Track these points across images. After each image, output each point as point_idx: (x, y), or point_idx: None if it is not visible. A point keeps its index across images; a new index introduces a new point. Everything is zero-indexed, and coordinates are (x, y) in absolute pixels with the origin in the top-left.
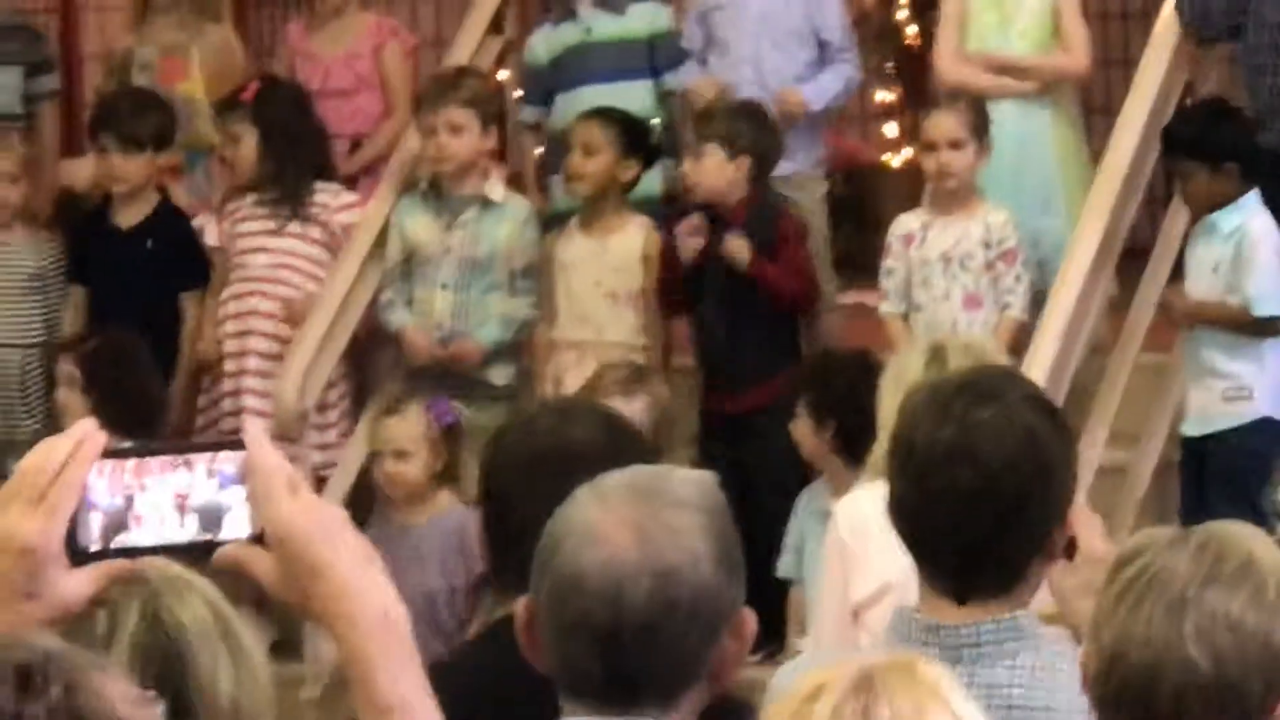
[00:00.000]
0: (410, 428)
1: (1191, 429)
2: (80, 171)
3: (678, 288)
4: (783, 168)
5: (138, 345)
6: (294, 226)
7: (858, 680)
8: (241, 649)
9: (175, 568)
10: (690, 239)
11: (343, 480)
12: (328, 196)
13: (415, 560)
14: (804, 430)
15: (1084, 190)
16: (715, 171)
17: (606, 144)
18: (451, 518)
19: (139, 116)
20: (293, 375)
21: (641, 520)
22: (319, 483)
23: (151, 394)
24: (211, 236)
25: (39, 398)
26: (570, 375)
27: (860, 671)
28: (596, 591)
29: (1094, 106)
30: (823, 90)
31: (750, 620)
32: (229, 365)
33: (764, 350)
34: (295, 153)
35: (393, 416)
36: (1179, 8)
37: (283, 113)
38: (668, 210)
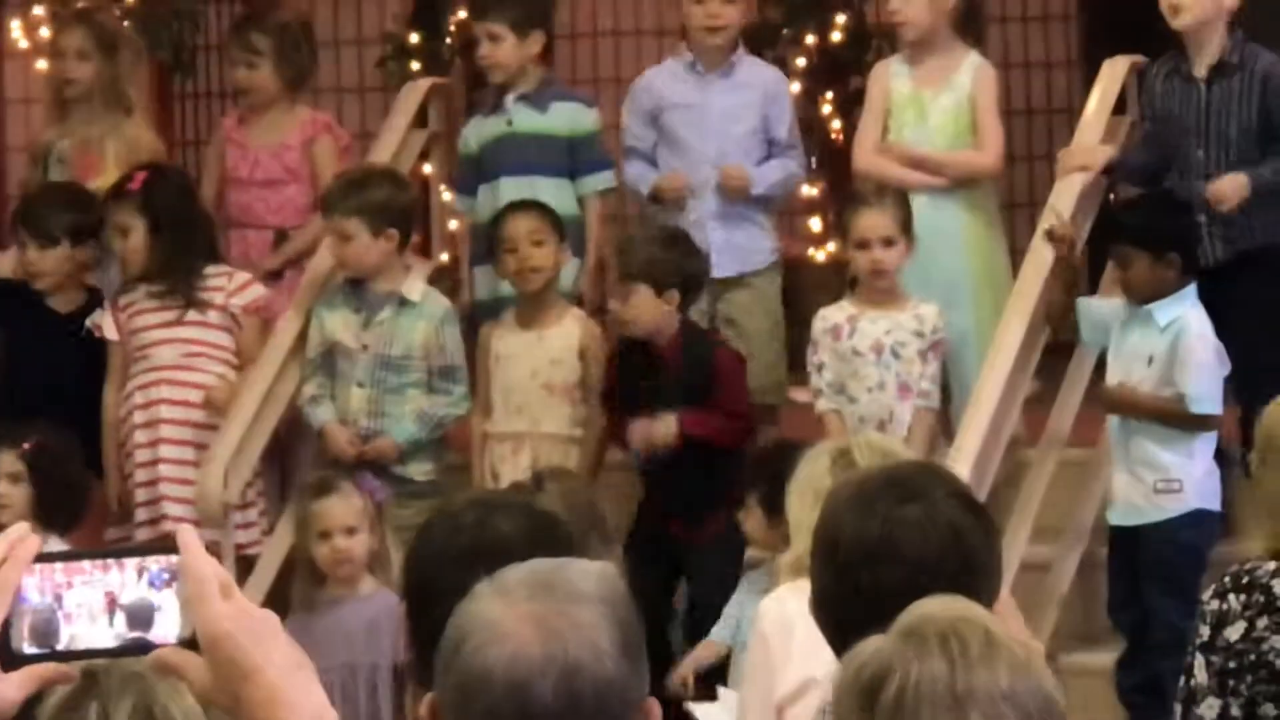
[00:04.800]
0: (353, 504)
1: (1119, 518)
2: (6, 262)
3: (620, 410)
4: (739, 264)
5: (72, 439)
6: (193, 314)
7: None
8: None
9: None
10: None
11: (267, 572)
12: (222, 280)
13: (339, 636)
14: (755, 523)
15: (993, 287)
16: (646, 309)
17: (551, 234)
18: (378, 599)
19: (54, 211)
20: (215, 470)
21: (544, 615)
22: (245, 562)
23: (86, 488)
24: (110, 331)
25: None
26: (506, 466)
27: None
28: (503, 689)
29: (1016, 201)
30: (764, 176)
31: (656, 710)
32: (141, 455)
33: (714, 480)
34: (185, 240)
35: (332, 496)
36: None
37: (170, 200)
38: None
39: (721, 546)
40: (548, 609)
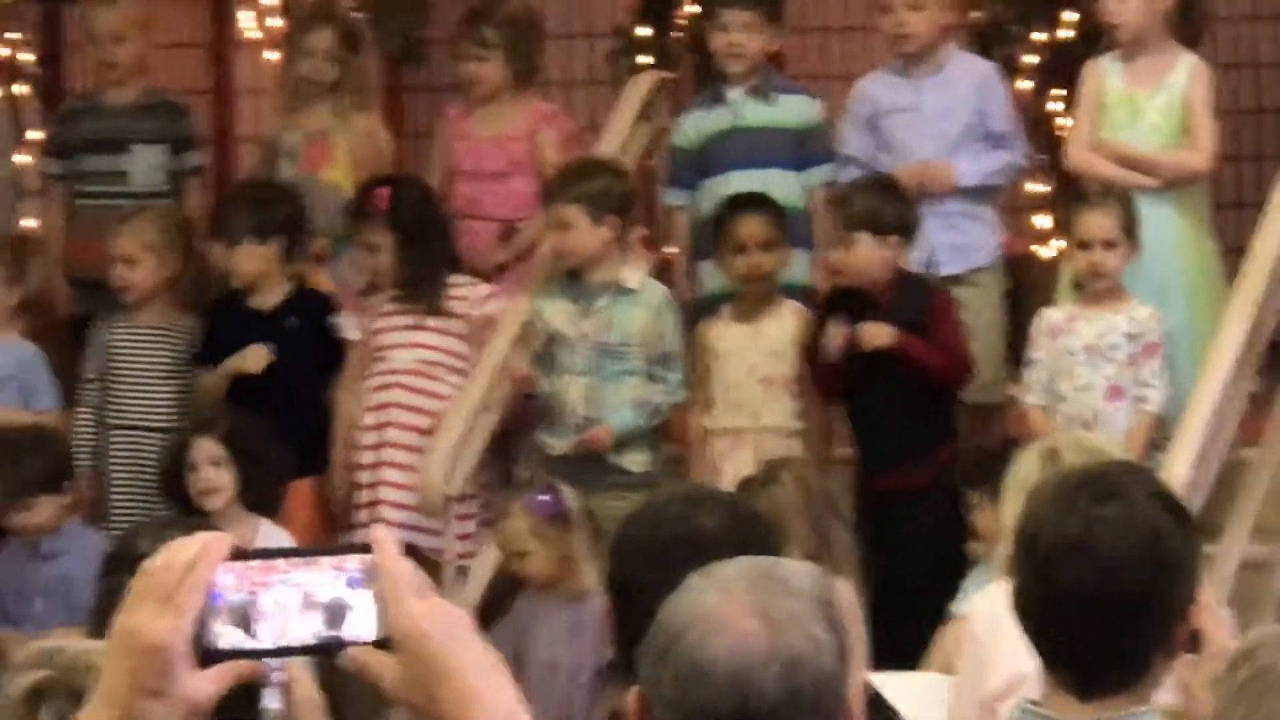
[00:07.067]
0: (518, 526)
1: None
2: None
3: (829, 373)
4: (964, 261)
5: (263, 422)
6: (434, 321)
7: None
8: None
9: None
10: (834, 341)
11: (482, 572)
12: (467, 289)
13: (543, 634)
14: (985, 520)
15: (1206, 287)
16: (868, 257)
17: (779, 235)
18: (585, 600)
19: (236, 212)
20: (439, 457)
21: (766, 607)
22: (460, 573)
23: (287, 468)
24: (353, 331)
25: None
26: (727, 462)
27: None
28: (725, 679)
29: (1224, 202)
30: (979, 165)
31: (856, 714)
32: (366, 456)
33: (917, 428)
34: (431, 250)
35: (503, 520)
36: None
37: (419, 214)
38: (818, 297)
39: (931, 500)
40: (768, 601)
